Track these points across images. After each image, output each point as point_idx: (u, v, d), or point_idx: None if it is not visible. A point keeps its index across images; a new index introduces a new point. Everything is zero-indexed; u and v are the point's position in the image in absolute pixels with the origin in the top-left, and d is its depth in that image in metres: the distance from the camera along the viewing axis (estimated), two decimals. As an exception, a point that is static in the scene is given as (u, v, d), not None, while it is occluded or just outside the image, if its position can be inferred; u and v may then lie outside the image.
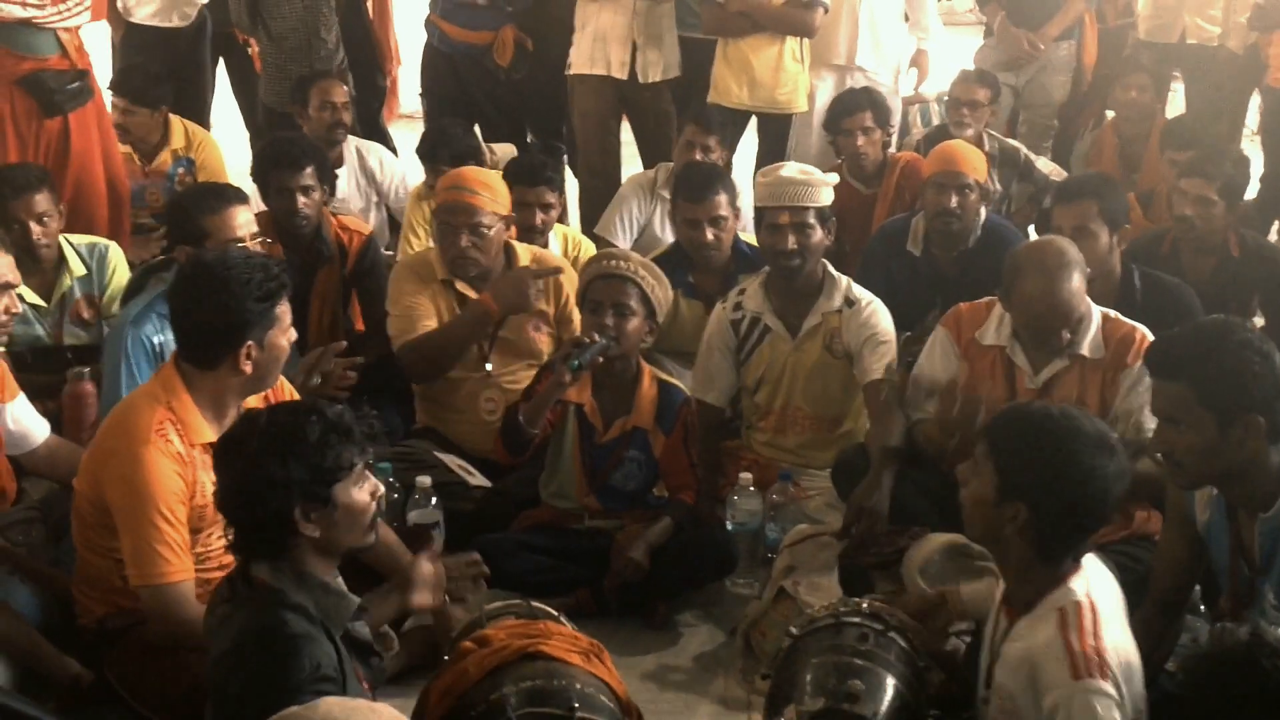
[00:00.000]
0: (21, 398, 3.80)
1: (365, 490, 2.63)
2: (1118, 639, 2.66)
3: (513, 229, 4.52)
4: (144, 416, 3.10)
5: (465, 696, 2.63)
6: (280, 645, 2.28)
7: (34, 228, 4.47)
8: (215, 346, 3.12)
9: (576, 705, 2.54)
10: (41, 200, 4.48)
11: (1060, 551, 2.71)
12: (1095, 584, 2.73)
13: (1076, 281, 3.72)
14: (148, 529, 3.03)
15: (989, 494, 2.73)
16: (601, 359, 3.85)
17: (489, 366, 4.42)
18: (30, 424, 3.81)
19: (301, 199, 4.72)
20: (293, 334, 3.27)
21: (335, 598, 2.56)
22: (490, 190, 4.35)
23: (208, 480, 3.04)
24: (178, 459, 3.08)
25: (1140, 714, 2.65)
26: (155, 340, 3.97)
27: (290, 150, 4.82)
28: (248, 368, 3.13)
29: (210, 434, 3.11)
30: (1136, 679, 2.66)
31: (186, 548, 3.08)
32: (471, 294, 4.39)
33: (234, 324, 3.09)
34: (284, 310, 3.19)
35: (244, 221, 4.01)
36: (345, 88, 5.94)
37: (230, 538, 2.62)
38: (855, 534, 3.77)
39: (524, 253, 4.49)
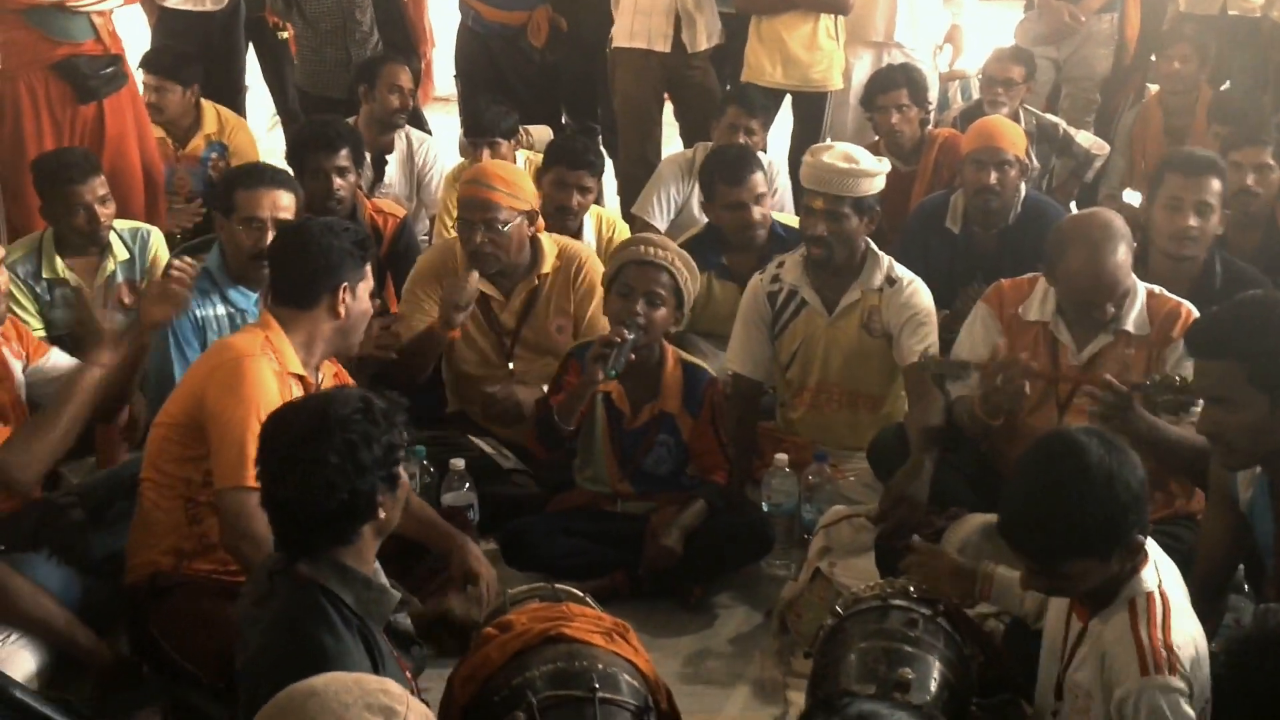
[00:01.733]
0: (54, 350, 3.80)
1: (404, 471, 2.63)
2: (1188, 627, 2.62)
3: (540, 222, 4.43)
4: (247, 339, 3.28)
5: (488, 682, 2.61)
6: (310, 664, 2.21)
7: (100, 211, 4.51)
8: (316, 284, 3.30)
9: (598, 686, 2.52)
10: (100, 184, 4.53)
11: None
12: (1164, 571, 2.69)
13: (1122, 254, 3.64)
14: (244, 433, 3.07)
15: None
16: (634, 355, 3.81)
17: (511, 365, 4.40)
18: (74, 363, 3.82)
19: (337, 180, 4.74)
20: (369, 305, 3.43)
21: (376, 593, 2.53)
22: (509, 185, 4.27)
23: None
24: (278, 376, 3.21)
25: (1206, 701, 2.60)
26: (198, 314, 4.06)
27: (325, 132, 4.83)
28: (342, 311, 3.31)
29: (300, 367, 3.27)
30: (1205, 666, 2.61)
31: None
32: (495, 294, 4.35)
33: (333, 263, 3.29)
34: (369, 271, 3.40)
35: (269, 203, 4.05)
36: (410, 74, 5.91)
37: (287, 539, 2.54)
38: (892, 521, 3.73)
39: (550, 246, 4.41)
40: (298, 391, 3.22)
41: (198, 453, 3.22)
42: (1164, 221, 4.19)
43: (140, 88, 5.56)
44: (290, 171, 4.83)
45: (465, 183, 4.37)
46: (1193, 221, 4.13)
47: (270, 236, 3.96)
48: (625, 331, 3.78)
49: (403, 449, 2.56)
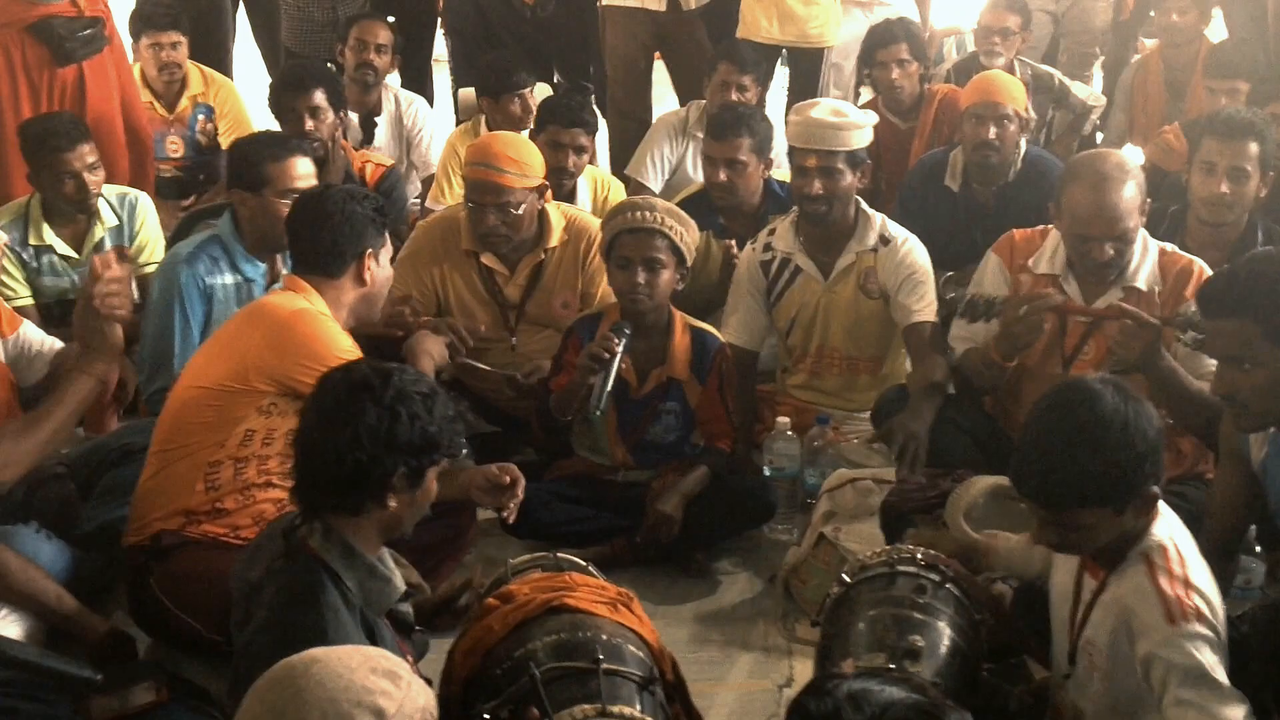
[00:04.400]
0: (26, 322, 3.76)
1: (435, 484, 2.58)
2: (1204, 580, 2.57)
3: (548, 194, 4.33)
4: (289, 298, 3.31)
5: (490, 654, 2.57)
6: (310, 647, 2.18)
7: (88, 179, 4.45)
8: (343, 251, 3.31)
9: (602, 657, 2.47)
10: (89, 151, 4.46)
11: None
12: (1174, 526, 2.64)
13: (1129, 193, 3.56)
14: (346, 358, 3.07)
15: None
16: (624, 366, 3.74)
17: (514, 340, 4.33)
18: (45, 338, 3.78)
19: (310, 121, 4.73)
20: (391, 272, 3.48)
21: (380, 583, 2.49)
22: (519, 165, 4.13)
23: None
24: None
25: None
26: (207, 281, 3.99)
27: (297, 73, 4.88)
28: (368, 278, 3.34)
29: None
30: (1221, 621, 2.56)
31: None
32: (500, 267, 4.25)
33: (358, 230, 3.32)
34: (388, 240, 3.43)
35: (304, 174, 3.98)
36: (387, 31, 5.82)
37: (300, 486, 2.52)
38: (905, 459, 3.69)
39: (557, 219, 4.31)
40: None
41: (235, 415, 3.20)
42: (1198, 186, 4.07)
43: (130, 51, 5.50)
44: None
45: (473, 164, 4.19)
46: (1225, 188, 4.01)
47: None
48: (614, 339, 3.69)
49: (443, 456, 2.51)
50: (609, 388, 3.66)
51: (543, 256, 4.28)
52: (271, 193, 3.94)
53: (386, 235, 3.41)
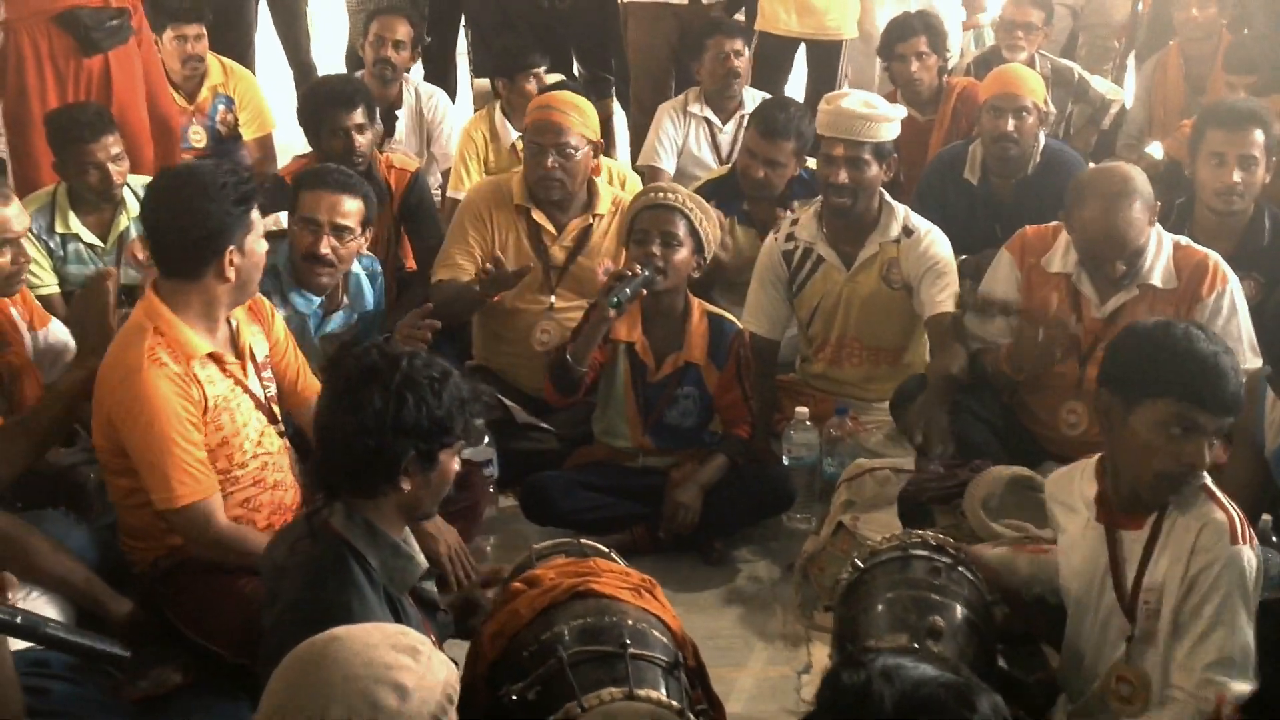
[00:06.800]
0: (54, 320, 3.77)
1: (455, 464, 2.60)
2: None
3: (599, 160, 4.48)
4: (133, 348, 3.03)
5: (517, 638, 2.59)
6: (335, 624, 2.19)
7: (112, 170, 4.47)
8: (199, 255, 3.03)
9: (628, 641, 2.50)
10: (114, 142, 4.49)
11: None
12: None
13: (1136, 211, 3.59)
14: (161, 454, 2.99)
15: None
16: (645, 291, 3.78)
17: (553, 299, 4.38)
18: (70, 337, 3.78)
19: (358, 138, 4.72)
20: (265, 244, 3.19)
21: (404, 561, 2.52)
22: (580, 113, 4.34)
23: (223, 389, 3.07)
24: (176, 379, 3.01)
25: None
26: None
27: (343, 89, 4.83)
28: (232, 274, 3.06)
29: (206, 345, 3.08)
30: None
31: (205, 464, 3.04)
32: (547, 223, 4.35)
33: (214, 229, 3.01)
34: (256, 216, 3.12)
35: (327, 207, 3.95)
36: (407, 26, 5.84)
37: (318, 468, 2.55)
38: (931, 445, 3.70)
39: (605, 190, 4.42)
40: (212, 370, 3.09)
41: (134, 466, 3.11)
42: (1208, 177, 4.09)
43: (162, 40, 5.53)
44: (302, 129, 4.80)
45: (537, 108, 4.41)
46: (1237, 176, 4.03)
47: (326, 242, 3.92)
48: (638, 267, 3.76)
49: (456, 438, 2.52)
50: (629, 293, 3.71)
51: (590, 221, 4.38)
52: (295, 218, 3.98)
53: (253, 214, 3.09)
